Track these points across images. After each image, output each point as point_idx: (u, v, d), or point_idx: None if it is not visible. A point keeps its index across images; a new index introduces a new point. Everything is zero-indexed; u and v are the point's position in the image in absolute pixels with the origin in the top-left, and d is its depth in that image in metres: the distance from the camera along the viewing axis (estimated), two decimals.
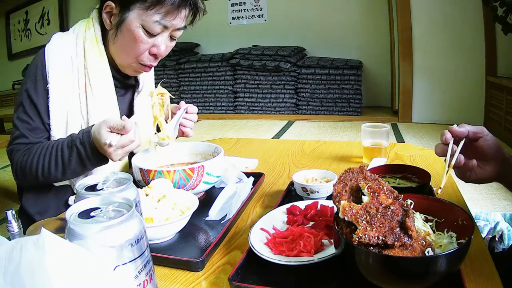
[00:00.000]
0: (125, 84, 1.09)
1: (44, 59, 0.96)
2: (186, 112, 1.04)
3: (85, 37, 0.98)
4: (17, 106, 0.98)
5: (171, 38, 0.99)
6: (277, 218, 0.80)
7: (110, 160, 0.97)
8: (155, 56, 0.99)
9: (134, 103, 1.10)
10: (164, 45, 0.97)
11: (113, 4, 0.93)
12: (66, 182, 1.03)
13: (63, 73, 0.96)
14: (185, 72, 5.04)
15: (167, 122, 1.03)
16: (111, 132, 0.84)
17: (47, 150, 0.93)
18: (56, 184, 1.02)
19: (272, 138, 3.87)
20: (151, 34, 0.93)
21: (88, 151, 0.89)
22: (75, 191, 1.03)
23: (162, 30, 0.94)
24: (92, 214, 0.49)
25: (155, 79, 1.23)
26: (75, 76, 0.97)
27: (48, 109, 0.96)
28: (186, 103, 1.05)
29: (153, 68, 1.13)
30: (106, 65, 1.00)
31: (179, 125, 1.04)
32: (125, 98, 1.11)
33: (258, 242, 0.70)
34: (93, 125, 0.90)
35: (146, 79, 1.13)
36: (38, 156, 0.93)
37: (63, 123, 0.98)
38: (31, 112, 0.96)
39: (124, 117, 0.88)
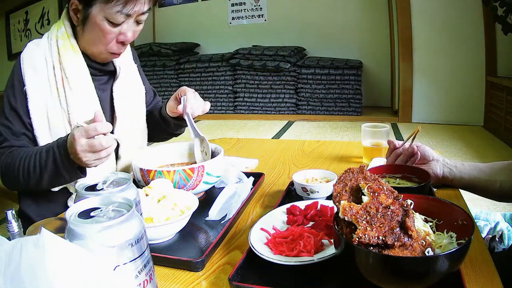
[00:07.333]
0: (105, 72, 1.11)
1: (20, 64, 1.00)
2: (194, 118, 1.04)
3: (57, 36, 1.02)
4: (0, 113, 1.01)
5: (137, 22, 1.01)
6: (277, 218, 0.80)
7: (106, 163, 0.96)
8: (122, 43, 1.02)
9: (113, 90, 1.11)
10: (130, 32, 0.99)
11: (76, 1, 0.97)
12: (64, 187, 1.03)
13: (39, 72, 0.99)
14: (185, 72, 5.04)
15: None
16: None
17: (28, 153, 0.93)
18: (55, 189, 1.02)
19: (272, 138, 3.87)
20: (115, 24, 0.96)
21: (62, 154, 0.87)
22: (73, 195, 1.04)
23: (126, 19, 0.96)
24: (92, 214, 0.49)
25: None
26: (50, 72, 1.00)
27: (28, 109, 0.98)
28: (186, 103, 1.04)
29: (130, 52, 1.18)
30: (80, 57, 1.03)
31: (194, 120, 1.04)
32: (107, 85, 1.12)
33: (258, 242, 0.70)
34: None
35: (123, 64, 1.13)
36: (20, 158, 0.93)
37: (44, 119, 1.00)
38: (12, 117, 0.99)
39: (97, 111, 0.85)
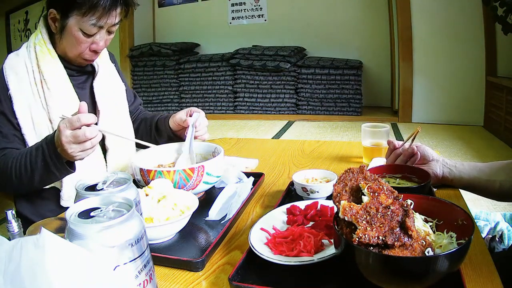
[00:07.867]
0: (83, 71, 1.17)
1: (3, 72, 1.05)
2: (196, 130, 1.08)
3: (34, 43, 1.09)
4: None
5: (109, 32, 1.09)
6: (277, 218, 0.80)
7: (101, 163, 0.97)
8: (95, 51, 1.09)
9: (94, 87, 1.16)
10: (102, 41, 1.07)
11: (55, 11, 1.04)
12: (53, 185, 1.04)
13: (21, 77, 1.06)
14: (185, 72, 5.03)
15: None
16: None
17: (20, 153, 0.96)
18: (47, 187, 1.03)
19: (272, 138, 3.87)
20: (89, 35, 1.04)
21: (50, 149, 0.90)
22: (61, 194, 1.06)
23: (98, 30, 1.04)
24: (92, 214, 0.49)
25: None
26: (31, 76, 1.07)
27: (14, 111, 1.03)
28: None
29: (106, 53, 1.24)
30: (57, 60, 1.10)
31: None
32: (86, 84, 1.18)
33: (258, 242, 0.70)
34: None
35: (101, 63, 1.19)
36: (12, 159, 0.96)
37: (29, 119, 1.05)
38: (0, 121, 1.04)
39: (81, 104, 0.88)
